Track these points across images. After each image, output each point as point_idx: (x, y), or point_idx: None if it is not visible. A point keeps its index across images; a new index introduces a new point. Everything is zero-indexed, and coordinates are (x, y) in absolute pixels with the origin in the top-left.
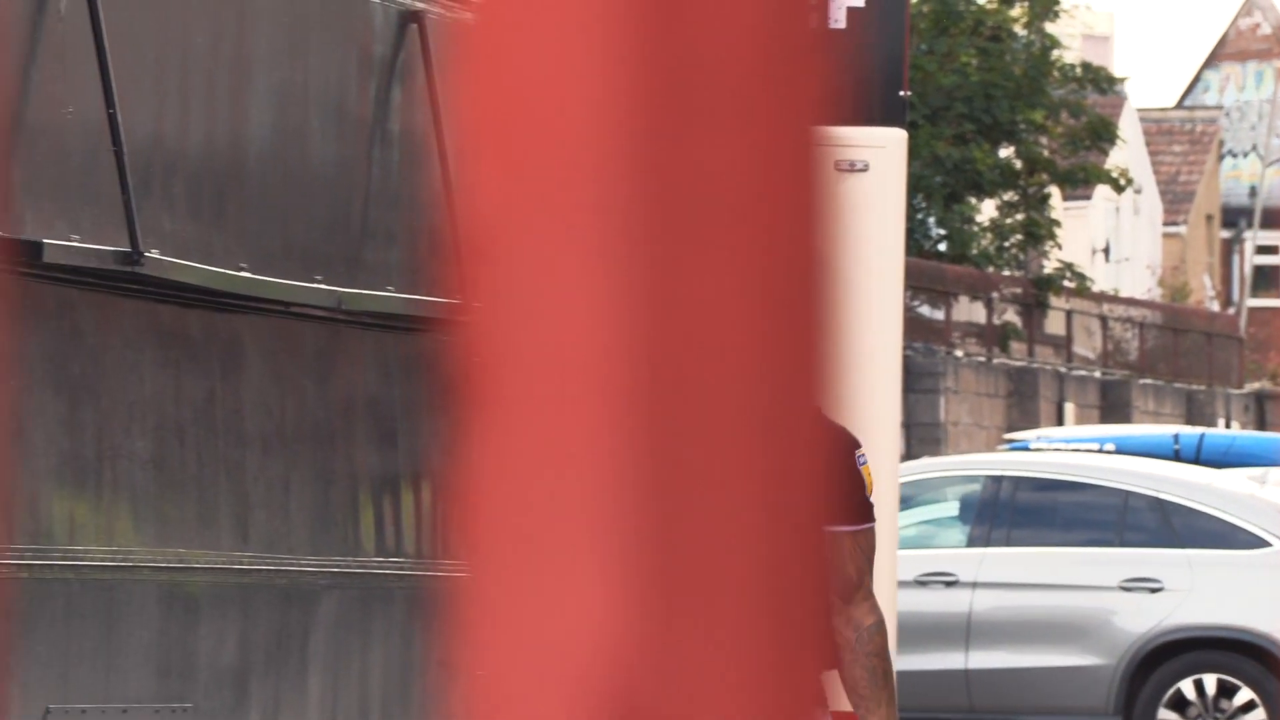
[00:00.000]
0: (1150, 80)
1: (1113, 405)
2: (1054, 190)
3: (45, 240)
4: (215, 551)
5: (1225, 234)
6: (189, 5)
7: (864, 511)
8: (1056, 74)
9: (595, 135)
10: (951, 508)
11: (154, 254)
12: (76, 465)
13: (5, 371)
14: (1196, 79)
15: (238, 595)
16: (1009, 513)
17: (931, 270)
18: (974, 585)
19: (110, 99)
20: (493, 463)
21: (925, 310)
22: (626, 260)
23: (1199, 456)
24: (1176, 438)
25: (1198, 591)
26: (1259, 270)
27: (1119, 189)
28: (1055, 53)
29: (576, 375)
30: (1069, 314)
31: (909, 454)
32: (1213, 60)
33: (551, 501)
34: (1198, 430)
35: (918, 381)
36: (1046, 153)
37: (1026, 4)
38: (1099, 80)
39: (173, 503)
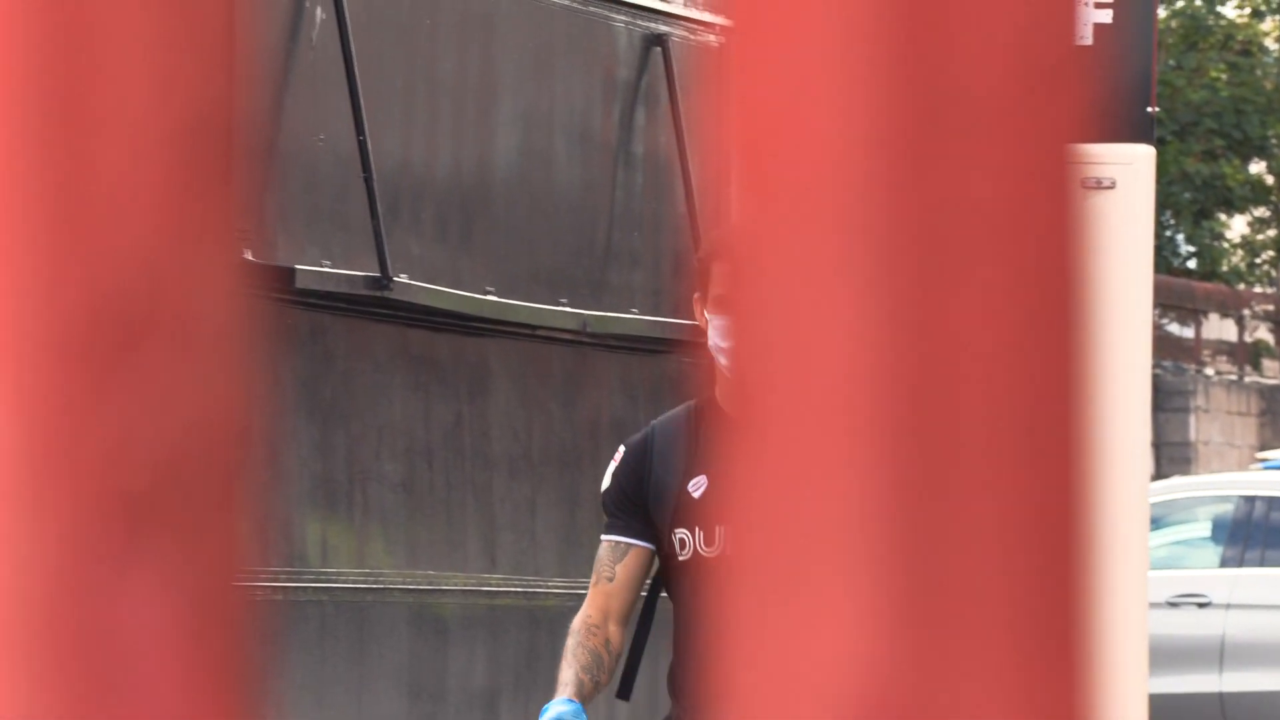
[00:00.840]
0: None
1: None
2: None
3: (297, 266)
4: (464, 574)
5: None
6: (437, 33)
7: None
8: None
9: (849, 155)
10: (1203, 528)
11: (403, 279)
12: (329, 488)
13: (261, 396)
14: None
15: (486, 617)
16: (1263, 533)
17: (1180, 288)
18: (1227, 607)
19: (360, 126)
20: (746, 483)
21: (1174, 328)
22: (880, 280)
23: None
24: None
25: None
26: None
27: None
28: None
29: (830, 395)
30: None
31: (1159, 474)
32: None
33: (806, 522)
34: None
35: (1167, 400)
36: None
37: (1279, 18)
38: None
39: (422, 525)
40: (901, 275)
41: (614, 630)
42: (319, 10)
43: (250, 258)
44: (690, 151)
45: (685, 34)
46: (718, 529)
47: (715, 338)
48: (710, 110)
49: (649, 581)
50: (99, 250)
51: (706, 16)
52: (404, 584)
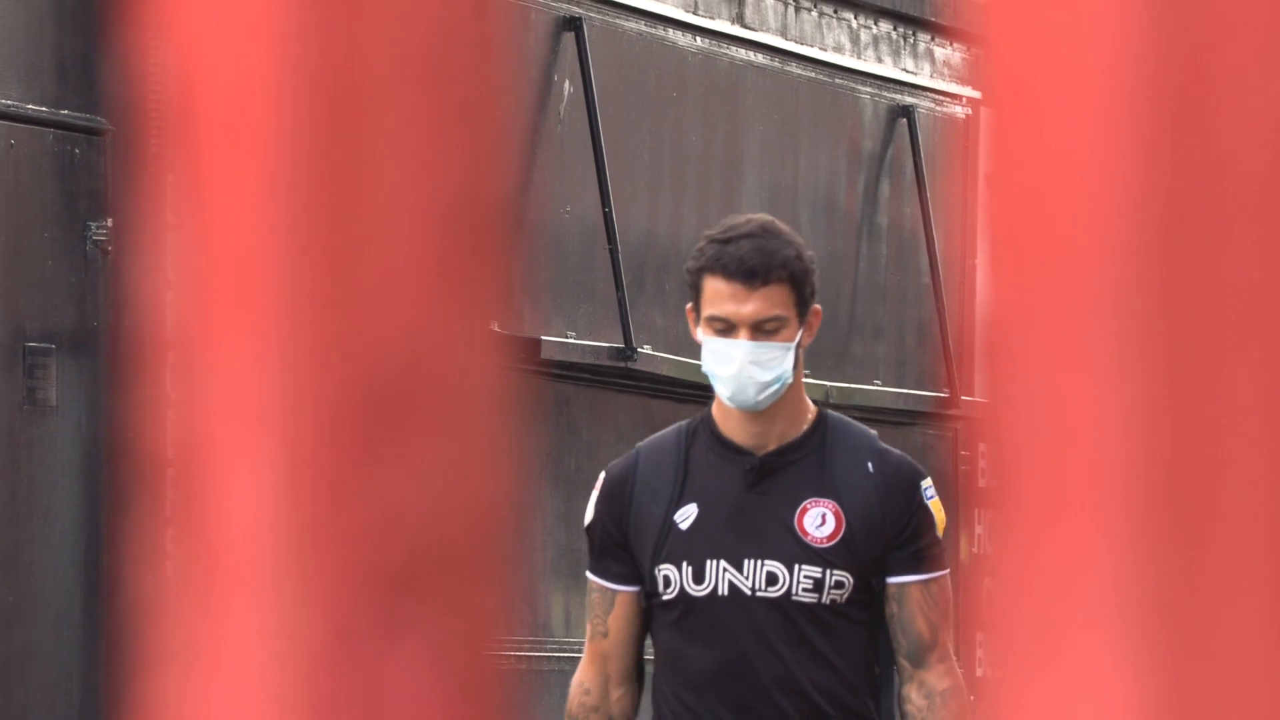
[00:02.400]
0: None
1: None
2: None
3: (543, 337)
4: None
5: None
6: (683, 105)
7: (935, 555)
8: None
9: (1112, 232)
10: None
11: (646, 349)
12: (572, 558)
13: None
14: None
15: None
16: None
17: None
18: None
19: (606, 198)
20: (1006, 556)
21: None
22: (1143, 359)
23: None
24: None
25: None
26: None
27: None
28: None
29: (1091, 472)
30: None
31: None
32: None
33: (1068, 597)
34: None
35: None
36: None
37: None
38: None
39: None
40: (1162, 354)
41: (617, 698)
42: (567, 84)
43: (498, 330)
44: (935, 223)
45: (931, 105)
46: (710, 564)
47: (710, 362)
48: (957, 182)
49: None
50: (366, 330)
51: (954, 88)
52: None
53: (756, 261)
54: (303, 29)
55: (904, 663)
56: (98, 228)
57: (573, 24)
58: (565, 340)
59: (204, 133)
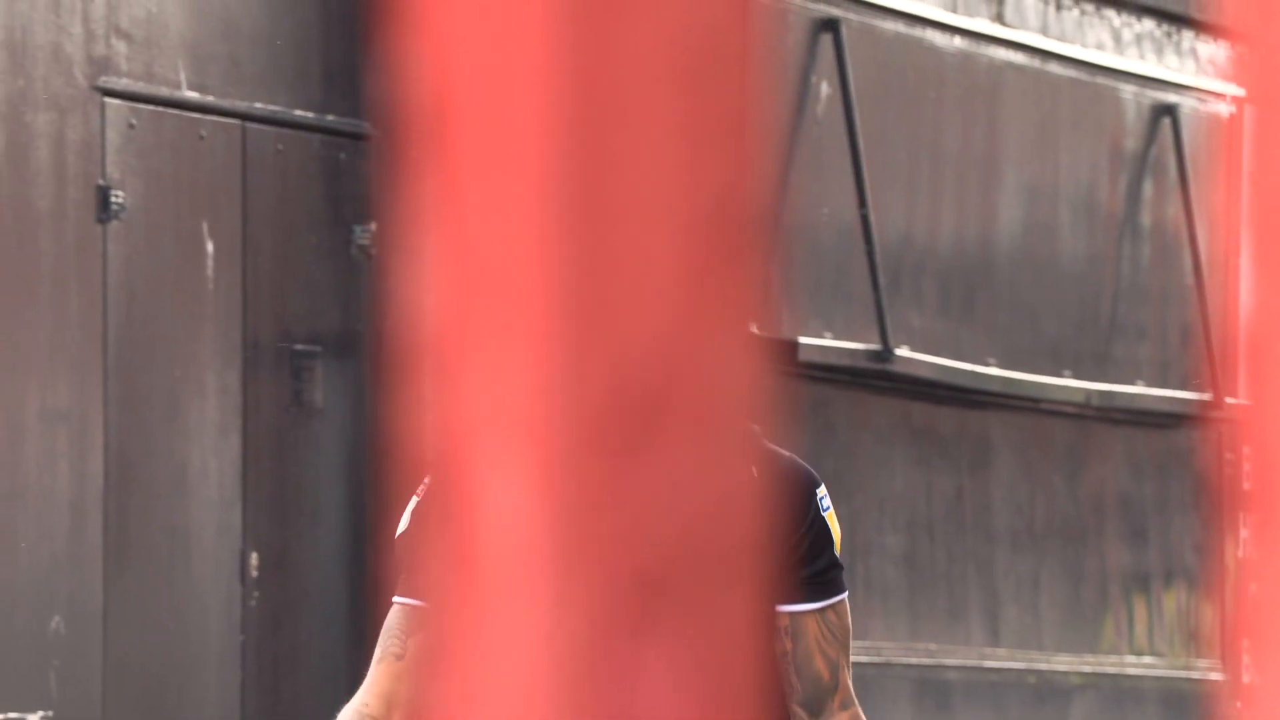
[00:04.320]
0: None
1: None
2: None
3: (800, 339)
4: (966, 647)
5: None
6: (941, 105)
7: (832, 579)
8: None
9: None
10: None
11: (904, 351)
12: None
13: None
14: None
15: (989, 693)
16: None
17: None
18: None
19: (863, 199)
20: (1271, 560)
21: None
22: None
23: None
24: None
25: None
26: None
27: None
28: None
29: None
30: None
31: None
32: None
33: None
34: None
35: None
36: None
37: None
38: None
39: (924, 599)
40: None
41: None
42: (824, 85)
43: (756, 332)
44: (1198, 223)
45: (1196, 104)
46: None
47: None
48: (1220, 182)
49: None
50: (620, 336)
51: (1217, 86)
52: (906, 658)
53: None
54: (563, 34)
55: (800, 711)
56: (362, 231)
57: (830, 25)
58: (822, 342)
59: (464, 137)
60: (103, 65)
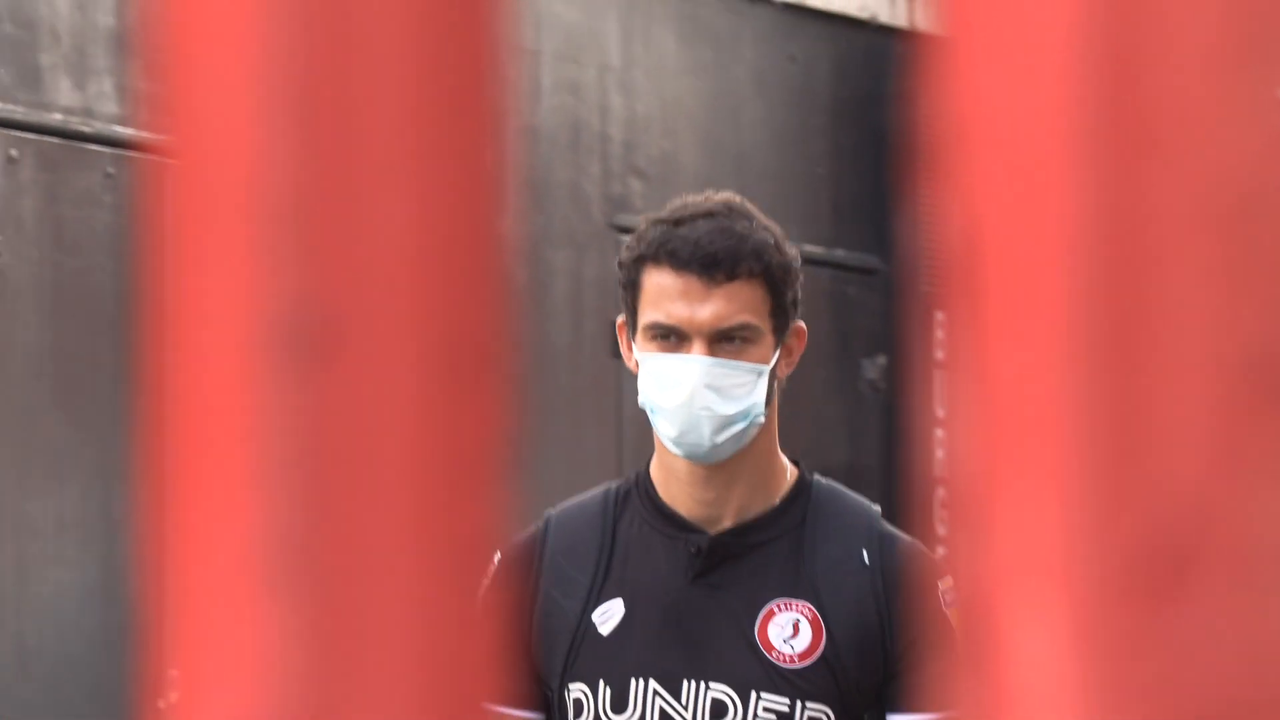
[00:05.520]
0: None
1: None
2: None
3: None
4: None
5: None
6: None
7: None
8: None
9: None
10: None
11: None
12: None
13: None
14: None
15: None
16: None
17: None
18: None
19: None
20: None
21: None
22: None
23: None
24: None
25: None
26: None
27: None
28: None
29: None
30: None
31: None
32: None
33: None
34: None
35: None
36: None
37: None
38: None
39: None
40: None
41: None
42: None
43: None
44: None
45: None
46: (636, 685)
47: (649, 389)
48: None
49: None
50: (1153, 480)
51: None
52: None
53: (719, 246)
54: (1092, 176)
55: None
56: (871, 365)
57: None
58: None
59: (993, 278)
60: (619, 203)
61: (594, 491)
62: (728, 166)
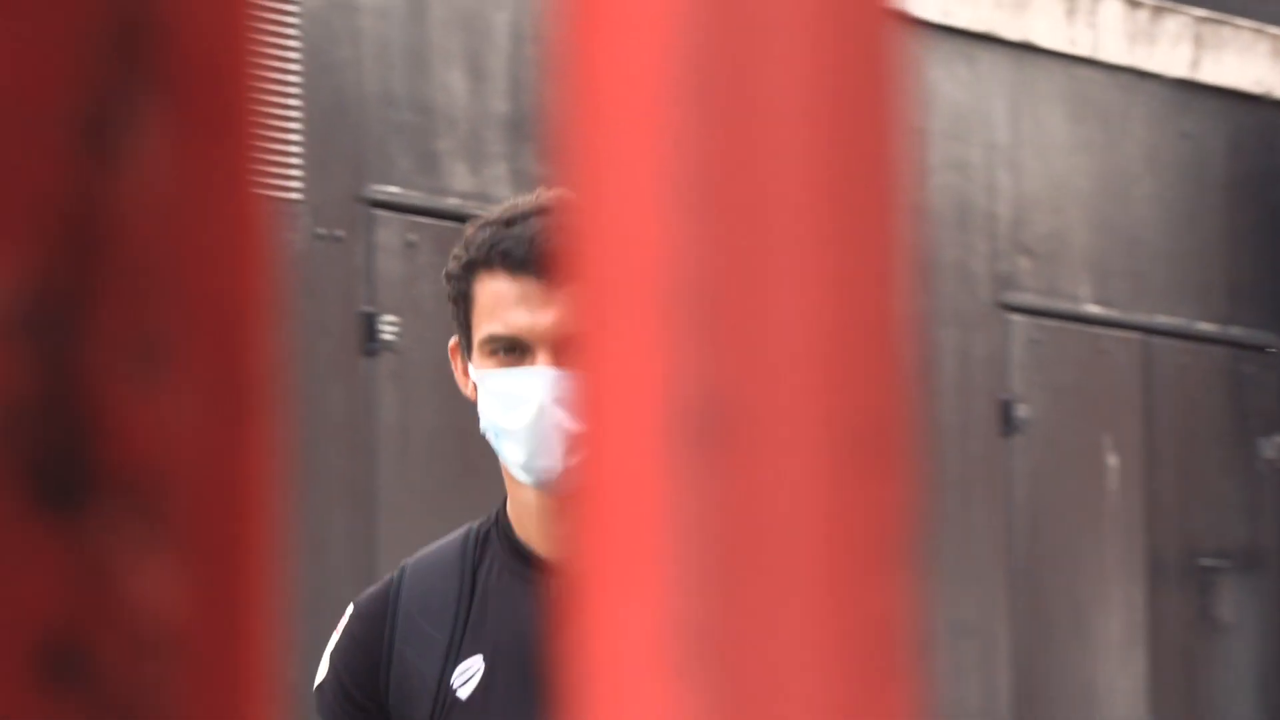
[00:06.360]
0: None
1: None
2: None
3: None
4: None
5: None
6: None
7: None
8: None
9: None
10: None
11: None
12: None
13: None
14: None
15: None
16: None
17: None
18: None
19: None
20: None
21: None
22: None
23: None
24: None
25: None
26: None
27: None
28: None
29: None
30: None
31: None
32: None
33: None
34: None
35: None
36: None
37: None
38: None
39: None
40: None
41: None
42: None
43: None
44: None
45: None
46: None
47: (491, 411)
48: None
49: None
50: None
51: None
52: None
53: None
54: None
55: None
56: (1268, 444)
57: None
58: None
59: None
60: (1006, 281)
61: (455, 534)
62: (1118, 244)
